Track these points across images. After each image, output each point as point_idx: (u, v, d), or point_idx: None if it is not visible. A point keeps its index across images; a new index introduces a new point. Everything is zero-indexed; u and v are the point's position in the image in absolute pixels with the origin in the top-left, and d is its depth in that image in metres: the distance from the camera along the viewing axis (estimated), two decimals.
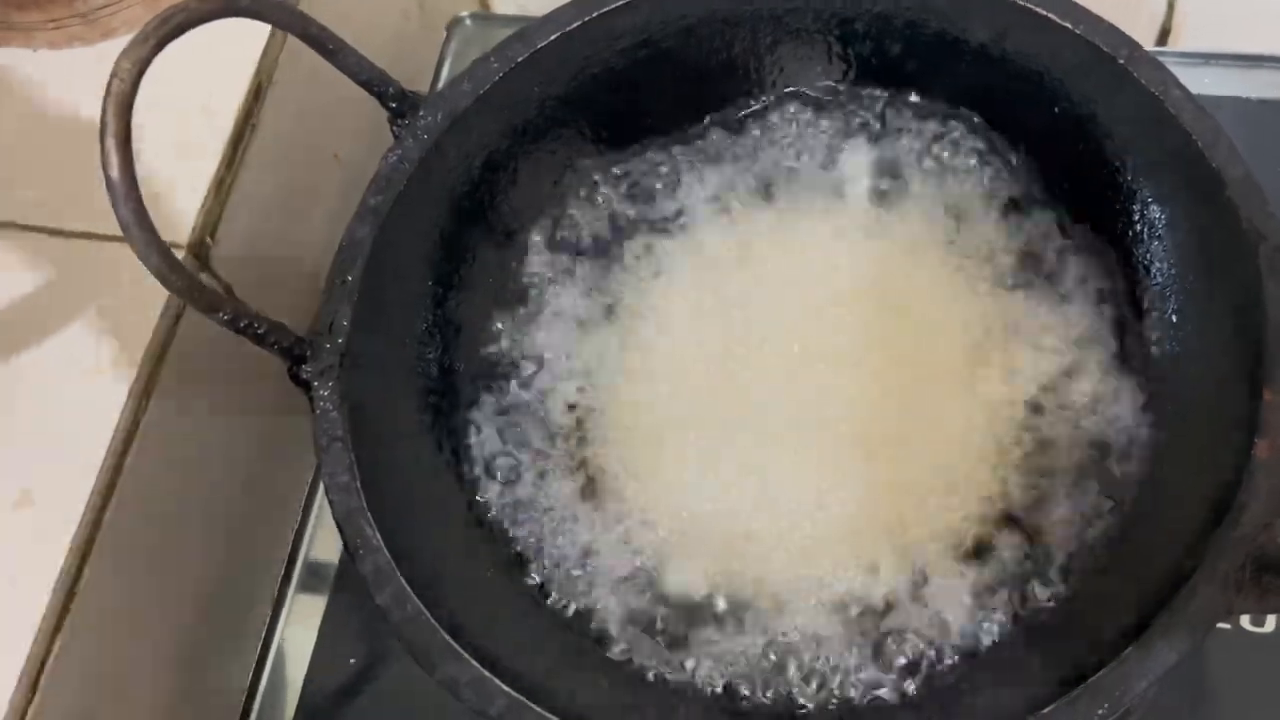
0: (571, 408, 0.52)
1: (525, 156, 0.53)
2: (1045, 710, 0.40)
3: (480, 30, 0.70)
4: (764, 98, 0.56)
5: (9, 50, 0.58)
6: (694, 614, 0.48)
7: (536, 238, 0.55)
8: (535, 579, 0.48)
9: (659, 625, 0.47)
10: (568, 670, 0.45)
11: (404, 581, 0.42)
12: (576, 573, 0.48)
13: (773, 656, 0.46)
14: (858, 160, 0.55)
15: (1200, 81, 0.48)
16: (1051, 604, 0.46)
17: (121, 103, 0.39)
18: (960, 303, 0.52)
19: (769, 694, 0.46)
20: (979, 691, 0.45)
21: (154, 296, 0.52)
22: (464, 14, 0.70)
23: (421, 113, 0.49)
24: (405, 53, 0.69)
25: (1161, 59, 0.48)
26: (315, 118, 0.61)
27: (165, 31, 0.40)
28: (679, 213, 0.55)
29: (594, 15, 0.50)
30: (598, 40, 0.51)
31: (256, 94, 0.57)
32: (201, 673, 0.58)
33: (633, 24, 0.52)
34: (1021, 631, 0.46)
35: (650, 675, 0.46)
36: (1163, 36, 0.69)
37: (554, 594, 0.48)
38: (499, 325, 0.53)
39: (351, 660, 0.56)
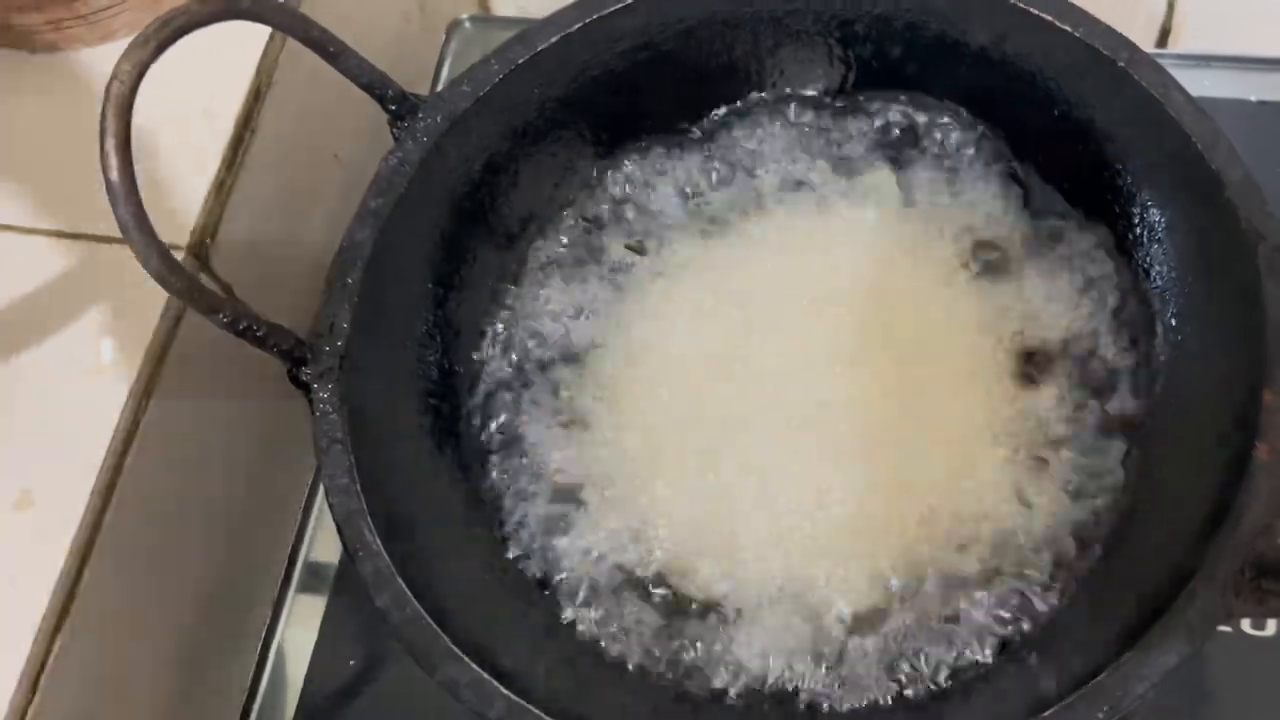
0: (572, 409, 0.52)
1: (525, 158, 0.53)
2: (1045, 714, 0.40)
3: (480, 32, 0.70)
4: (765, 99, 0.56)
5: (8, 52, 0.58)
6: (693, 615, 0.48)
7: (537, 239, 0.55)
8: (535, 581, 0.48)
9: (659, 627, 0.47)
10: (567, 672, 0.45)
11: (403, 584, 0.42)
12: (576, 575, 0.48)
13: (771, 657, 0.46)
14: (858, 162, 0.55)
15: (1200, 83, 0.48)
16: (1050, 607, 0.46)
17: (121, 105, 0.39)
18: (960, 303, 0.52)
19: (768, 694, 0.46)
20: (977, 694, 0.45)
21: (154, 298, 0.52)
22: (464, 16, 0.70)
23: (421, 115, 0.49)
24: (405, 55, 0.69)
25: (1161, 60, 0.48)
26: (315, 120, 0.61)
27: (165, 34, 0.40)
28: (679, 213, 0.55)
29: (594, 18, 0.50)
30: (598, 42, 0.51)
31: (256, 96, 0.57)
32: (201, 674, 0.58)
33: (633, 26, 0.52)
34: (1020, 634, 0.46)
35: (650, 677, 0.46)
36: (1162, 38, 0.69)
37: (553, 596, 0.48)
38: (499, 327, 0.53)
39: (351, 661, 0.56)
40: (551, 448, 0.51)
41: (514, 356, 0.53)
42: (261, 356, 0.45)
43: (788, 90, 0.56)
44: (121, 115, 0.39)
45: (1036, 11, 0.49)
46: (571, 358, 0.53)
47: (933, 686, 0.45)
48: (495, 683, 0.41)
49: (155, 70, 0.40)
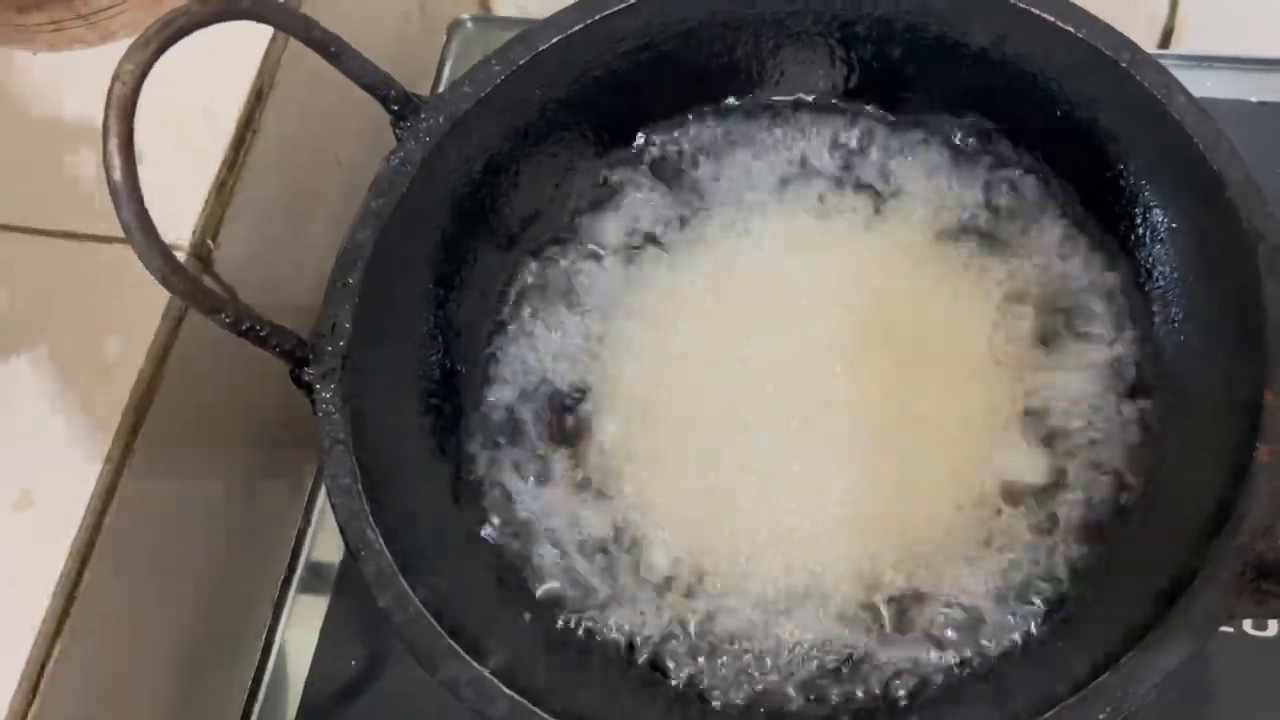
0: (574, 409, 0.52)
1: (527, 159, 0.53)
2: (1046, 715, 0.40)
3: (481, 33, 0.70)
4: (766, 100, 0.56)
5: (9, 52, 0.58)
6: (693, 615, 0.48)
7: (538, 240, 0.55)
8: (536, 582, 0.48)
9: (659, 627, 0.47)
10: (568, 672, 0.45)
11: (405, 583, 0.42)
12: (580, 573, 0.48)
13: (773, 659, 0.46)
14: (860, 162, 0.55)
15: (1201, 84, 0.48)
16: (1052, 608, 0.46)
17: (124, 106, 0.39)
18: (961, 303, 0.52)
19: (767, 697, 0.46)
20: (979, 696, 0.45)
21: (156, 298, 0.52)
22: (464, 16, 0.70)
23: (423, 115, 0.49)
24: (406, 55, 0.69)
25: (1162, 61, 0.48)
26: (316, 120, 0.61)
27: (167, 35, 0.40)
28: (681, 213, 0.55)
29: (595, 18, 0.50)
30: (599, 43, 0.51)
31: (258, 97, 0.57)
32: (202, 674, 0.58)
33: (634, 27, 0.52)
34: (1022, 636, 0.46)
35: (651, 678, 0.46)
36: (1164, 39, 0.69)
37: (554, 596, 0.48)
38: (501, 327, 0.53)
39: (353, 662, 0.56)
40: (552, 447, 0.51)
41: (515, 356, 0.53)
42: (263, 357, 0.45)
43: (790, 91, 0.56)
44: (124, 116, 0.39)
45: (1038, 12, 0.49)
46: (571, 357, 0.53)
47: (932, 689, 0.45)
48: (497, 682, 0.41)
49: (156, 71, 0.40)
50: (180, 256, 0.52)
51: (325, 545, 0.59)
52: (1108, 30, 0.48)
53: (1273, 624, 0.52)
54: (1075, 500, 0.48)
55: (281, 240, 0.60)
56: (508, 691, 0.41)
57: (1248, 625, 0.53)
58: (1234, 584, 0.40)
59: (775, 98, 0.56)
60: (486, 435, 0.51)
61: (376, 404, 0.46)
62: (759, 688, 0.46)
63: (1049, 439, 0.49)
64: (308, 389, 0.45)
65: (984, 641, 0.46)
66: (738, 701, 0.46)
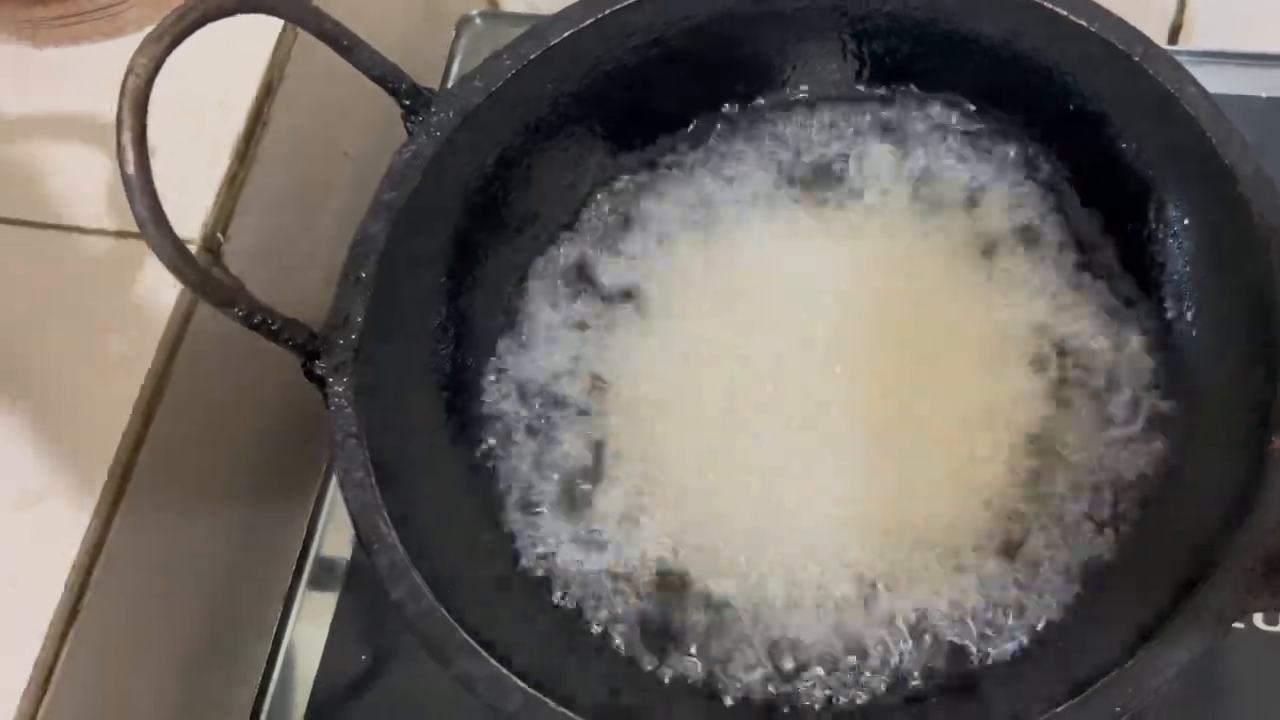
0: (583, 405, 0.52)
1: (538, 153, 0.53)
2: (1059, 708, 0.40)
3: (489, 28, 0.69)
4: (776, 96, 0.56)
5: (16, 47, 0.58)
6: (698, 613, 0.48)
7: (549, 233, 0.55)
8: (547, 576, 0.48)
9: (664, 624, 0.47)
10: (580, 667, 0.45)
11: (418, 577, 0.42)
12: (588, 570, 0.48)
13: (779, 655, 0.46)
14: (869, 158, 0.55)
15: (1210, 79, 0.48)
16: (1066, 601, 0.46)
17: (137, 99, 0.39)
18: (972, 299, 0.52)
19: (773, 692, 0.46)
20: (993, 690, 0.44)
21: (166, 293, 0.52)
22: (473, 12, 0.70)
23: (434, 109, 0.48)
24: (414, 51, 0.69)
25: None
26: (326, 114, 0.61)
27: (180, 28, 0.40)
28: (690, 209, 0.55)
29: (606, 13, 0.50)
30: (610, 37, 0.51)
31: (268, 90, 0.57)
32: (211, 670, 0.58)
33: (644, 21, 0.52)
34: (1036, 630, 0.46)
35: (662, 674, 0.46)
36: (1173, 35, 0.69)
37: (566, 591, 0.48)
38: (513, 320, 0.53)
39: (362, 657, 0.56)
40: (559, 443, 0.51)
41: (525, 350, 0.53)
42: (271, 352, 0.45)
43: (800, 86, 0.56)
44: (137, 109, 0.39)
45: (1049, 6, 0.48)
46: (583, 354, 0.53)
47: (945, 683, 0.45)
48: (511, 676, 0.41)
49: (166, 65, 0.40)
50: (190, 250, 0.52)
51: (335, 541, 0.59)
52: (1120, 24, 0.48)
53: None
54: (1084, 497, 0.48)
55: (290, 234, 0.60)
56: (521, 685, 0.41)
57: (1259, 620, 0.52)
58: (1249, 578, 0.40)
59: (783, 94, 0.56)
60: (498, 428, 0.51)
61: (388, 397, 0.46)
62: (764, 683, 0.46)
63: (1062, 436, 0.49)
64: (320, 382, 0.45)
65: (996, 636, 0.46)
66: (744, 696, 0.46)
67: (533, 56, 0.50)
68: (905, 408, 0.50)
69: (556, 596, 0.48)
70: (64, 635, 0.48)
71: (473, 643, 0.41)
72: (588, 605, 0.48)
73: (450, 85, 0.65)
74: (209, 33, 0.41)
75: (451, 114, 0.49)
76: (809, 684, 0.46)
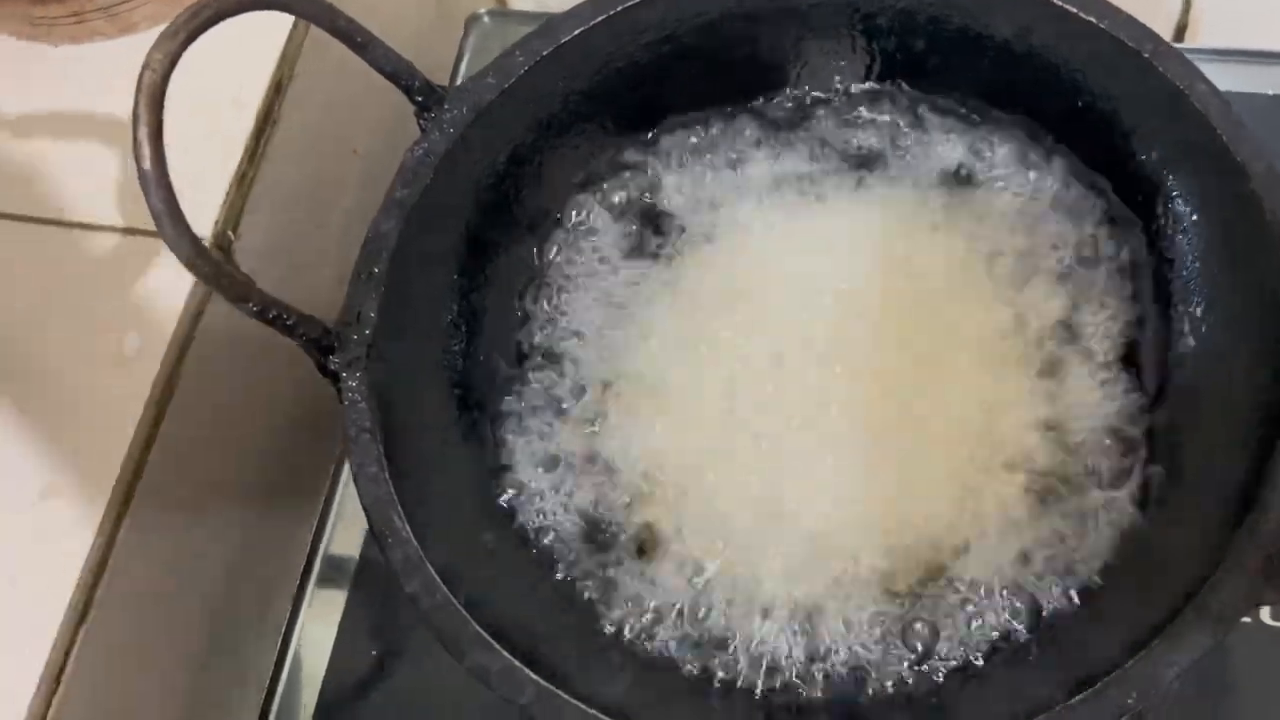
0: (594, 400, 0.52)
1: (550, 150, 0.53)
2: (1070, 702, 0.40)
3: (498, 26, 0.70)
4: (787, 92, 0.56)
5: (30, 45, 0.58)
6: (703, 611, 0.48)
7: (560, 230, 0.55)
8: (561, 571, 0.49)
9: (681, 616, 0.48)
10: (594, 661, 0.45)
11: (432, 570, 0.42)
12: (601, 564, 0.49)
13: (780, 655, 0.46)
14: (879, 154, 0.55)
15: (1216, 77, 0.48)
16: (1076, 597, 0.46)
17: (153, 95, 0.39)
18: (983, 296, 0.52)
19: (775, 690, 0.46)
20: (1002, 685, 0.45)
21: (178, 289, 0.52)
22: (482, 10, 0.70)
23: (447, 106, 0.49)
24: (423, 49, 0.69)
25: None
26: (336, 111, 0.62)
27: (196, 24, 0.40)
28: (700, 205, 0.55)
29: (618, 9, 0.50)
30: (621, 34, 0.51)
31: (279, 88, 0.57)
32: (220, 667, 0.58)
33: (655, 19, 0.52)
34: (1046, 625, 0.46)
35: (677, 667, 0.47)
36: (1179, 33, 0.70)
37: (580, 587, 0.48)
38: (523, 317, 0.53)
39: (372, 654, 0.56)
40: (574, 439, 0.51)
41: (537, 347, 0.53)
42: (281, 350, 0.46)
43: (812, 83, 0.56)
44: (154, 105, 0.39)
45: (1061, 4, 0.49)
46: (592, 349, 0.53)
47: (954, 679, 0.45)
48: (525, 669, 0.41)
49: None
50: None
51: (343, 539, 0.59)
52: (1130, 22, 0.48)
53: None
54: (1086, 497, 0.48)
55: (300, 231, 0.60)
56: (535, 678, 0.41)
57: (1266, 615, 0.53)
58: (1252, 578, 0.40)
59: (795, 90, 0.56)
60: (510, 424, 0.51)
61: (402, 392, 0.46)
62: (780, 679, 0.46)
63: (1062, 434, 0.49)
64: (334, 378, 0.45)
65: (1007, 631, 0.46)
66: (762, 693, 0.46)
67: (545, 53, 0.50)
68: (905, 408, 0.50)
69: (574, 590, 0.48)
70: (74, 634, 0.48)
71: (486, 636, 0.41)
72: (598, 600, 0.48)
73: (460, 82, 0.65)
74: (220, 30, 0.42)
75: (464, 111, 0.49)
76: (810, 684, 0.46)
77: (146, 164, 0.39)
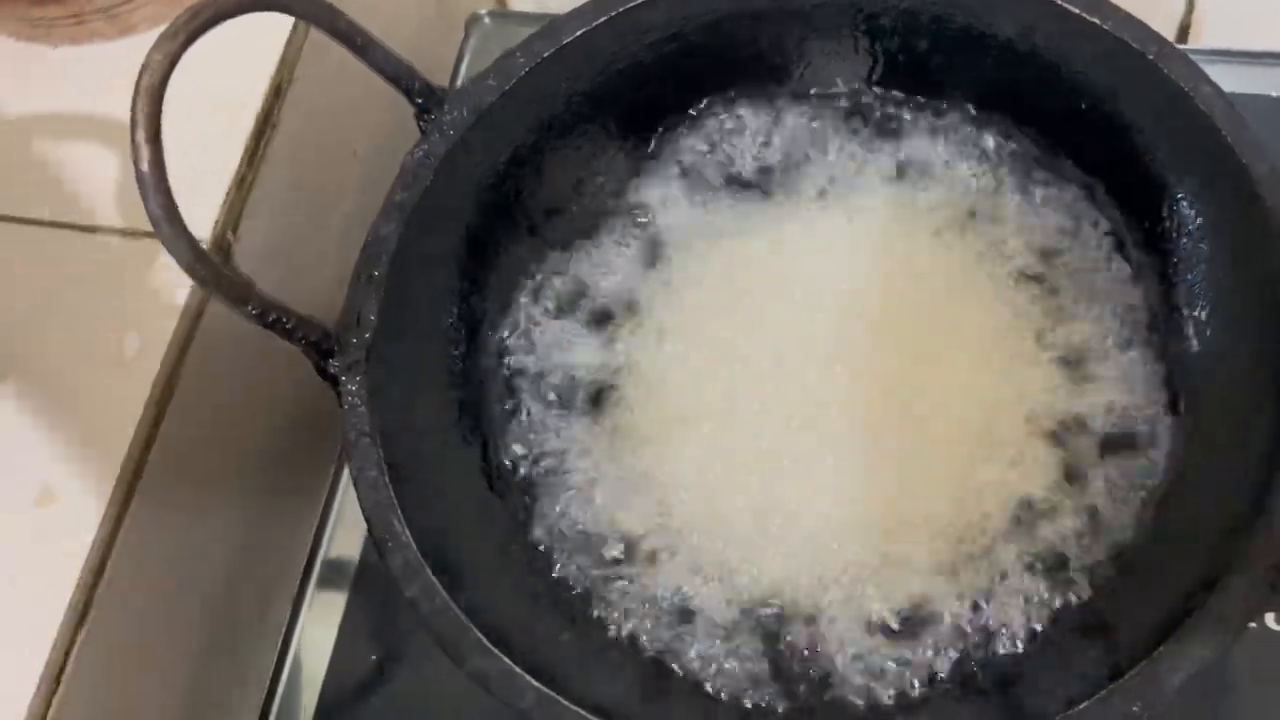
0: (595, 403, 0.52)
1: (551, 151, 0.53)
2: (1078, 708, 0.39)
3: (498, 27, 0.70)
4: (787, 93, 0.56)
5: (30, 45, 0.58)
6: (713, 610, 0.47)
7: (561, 233, 0.55)
8: (561, 574, 0.49)
9: (681, 619, 0.47)
10: (595, 666, 0.45)
11: (432, 575, 0.42)
12: (601, 567, 0.49)
13: (780, 655, 0.46)
14: (882, 155, 0.55)
15: (1219, 79, 0.48)
16: (1082, 602, 0.46)
17: (152, 97, 0.39)
18: (985, 298, 0.52)
19: (786, 695, 0.46)
20: (1010, 691, 0.44)
21: (177, 292, 0.52)
22: (482, 11, 0.70)
23: (447, 108, 0.48)
24: (423, 50, 0.68)
25: None
26: (336, 114, 0.61)
27: (195, 25, 0.40)
28: (703, 205, 0.55)
29: (620, 10, 0.50)
30: (624, 35, 0.51)
31: (278, 91, 0.57)
32: (220, 670, 0.58)
33: (658, 19, 0.51)
34: (1052, 630, 0.46)
35: (677, 674, 0.46)
36: (1181, 34, 0.69)
37: (579, 590, 0.48)
38: (524, 320, 0.53)
39: (372, 658, 0.56)
40: (575, 442, 0.51)
41: (538, 349, 0.53)
42: (281, 352, 0.45)
43: (815, 83, 0.56)
44: (152, 107, 0.39)
45: (1064, 4, 0.48)
46: (593, 352, 0.53)
47: (958, 685, 0.45)
48: (525, 674, 0.41)
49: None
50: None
51: (344, 541, 0.59)
52: (1134, 22, 0.48)
53: None
54: (1089, 499, 0.48)
55: (299, 234, 0.60)
56: (535, 684, 0.41)
57: (1270, 620, 0.52)
58: (1264, 581, 0.40)
59: (798, 91, 0.56)
60: (511, 427, 0.51)
61: (402, 396, 0.46)
62: (777, 687, 0.46)
63: (1067, 436, 0.49)
64: (334, 381, 0.45)
65: (1013, 636, 0.46)
66: (756, 699, 0.46)
67: (546, 54, 0.50)
68: (905, 408, 0.50)
69: (573, 595, 0.48)
70: (74, 635, 0.48)
71: (485, 641, 0.41)
72: (604, 604, 0.48)
73: (460, 84, 0.65)
74: (218, 32, 0.41)
75: (465, 113, 0.49)
76: (810, 686, 0.46)
77: (145, 167, 0.39)
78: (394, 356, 0.46)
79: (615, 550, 0.49)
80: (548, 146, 0.53)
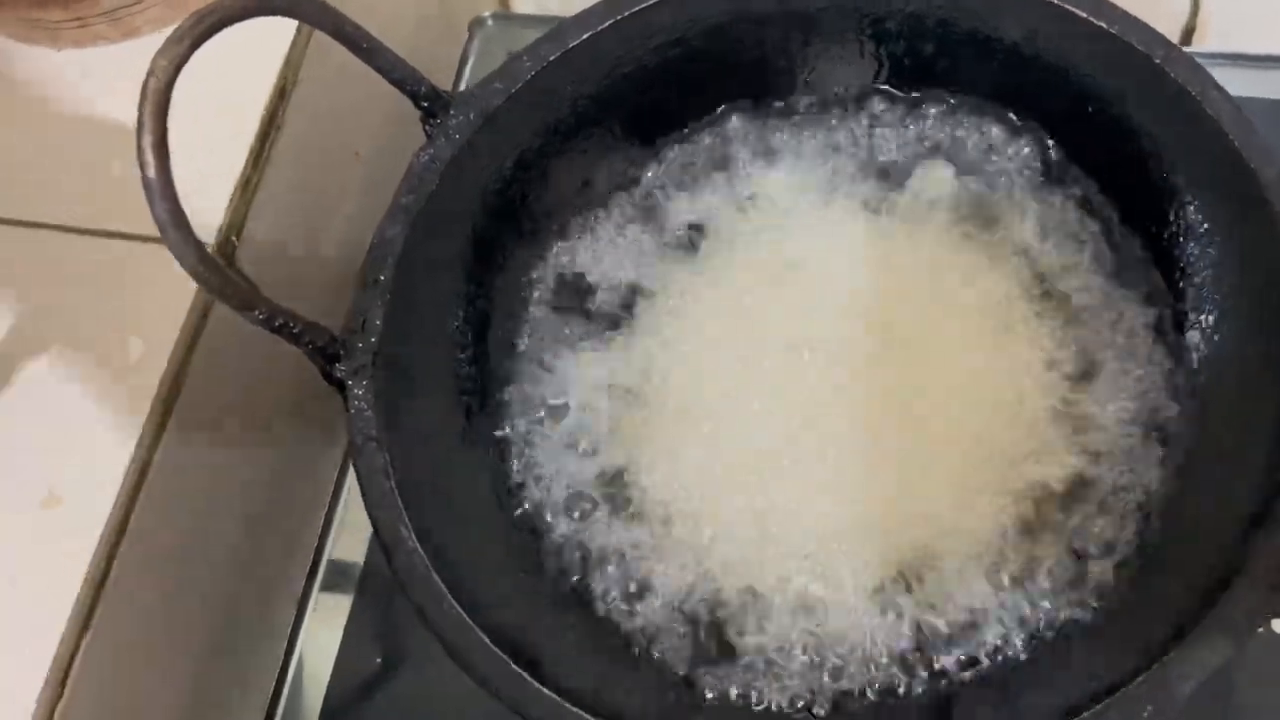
0: (589, 406, 0.52)
1: (557, 155, 0.53)
2: (1085, 714, 0.39)
3: (501, 30, 0.69)
4: (792, 98, 0.56)
5: (34, 49, 0.58)
6: (707, 617, 0.48)
7: (567, 236, 0.55)
8: (569, 579, 0.49)
9: (693, 626, 0.48)
10: (605, 671, 0.45)
11: (439, 580, 0.42)
12: (610, 572, 0.48)
13: (780, 656, 0.46)
14: (888, 158, 0.55)
15: (1223, 81, 0.48)
16: (1090, 607, 0.46)
17: (158, 101, 0.39)
18: (987, 299, 0.52)
19: (794, 696, 0.46)
20: (1018, 695, 0.44)
21: (181, 295, 0.52)
22: (485, 14, 0.70)
23: (454, 111, 0.48)
24: (426, 53, 0.69)
25: None
26: (339, 117, 0.61)
27: (201, 30, 0.40)
28: (708, 208, 0.55)
29: (626, 14, 0.50)
30: (630, 39, 0.51)
31: (282, 94, 0.57)
32: (225, 672, 0.58)
33: (664, 23, 0.52)
34: (1061, 635, 0.46)
35: (686, 676, 0.47)
36: (1185, 37, 0.69)
37: (586, 592, 0.48)
38: (530, 323, 0.53)
39: (376, 660, 0.56)
40: (580, 443, 0.51)
41: (544, 352, 0.53)
42: (286, 356, 0.45)
43: (820, 87, 0.56)
44: (158, 111, 0.38)
45: (1069, 7, 0.48)
46: (600, 354, 0.53)
47: (967, 689, 0.45)
48: (531, 679, 0.41)
49: None
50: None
51: (349, 544, 0.59)
52: (1140, 26, 0.48)
53: None
54: (1110, 500, 0.48)
55: (304, 237, 0.60)
56: (546, 691, 0.41)
57: (1276, 625, 0.52)
58: (1274, 586, 0.39)
59: (804, 95, 0.56)
60: (517, 430, 0.51)
61: (408, 400, 0.46)
62: (785, 689, 0.46)
63: (1074, 437, 0.49)
64: (340, 385, 0.45)
65: (1022, 641, 0.46)
66: (767, 703, 0.46)
67: (552, 58, 0.50)
68: (905, 408, 0.50)
69: (583, 598, 0.48)
70: (80, 637, 0.47)
71: (492, 646, 0.41)
72: (612, 607, 0.48)
73: (463, 87, 0.65)
74: (223, 36, 0.41)
75: (471, 116, 0.49)
76: (813, 688, 0.46)
77: (151, 171, 0.38)
78: (400, 360, 0.46)
79: (629, 553, 0.49)
80: (553, 150, 0.53)
